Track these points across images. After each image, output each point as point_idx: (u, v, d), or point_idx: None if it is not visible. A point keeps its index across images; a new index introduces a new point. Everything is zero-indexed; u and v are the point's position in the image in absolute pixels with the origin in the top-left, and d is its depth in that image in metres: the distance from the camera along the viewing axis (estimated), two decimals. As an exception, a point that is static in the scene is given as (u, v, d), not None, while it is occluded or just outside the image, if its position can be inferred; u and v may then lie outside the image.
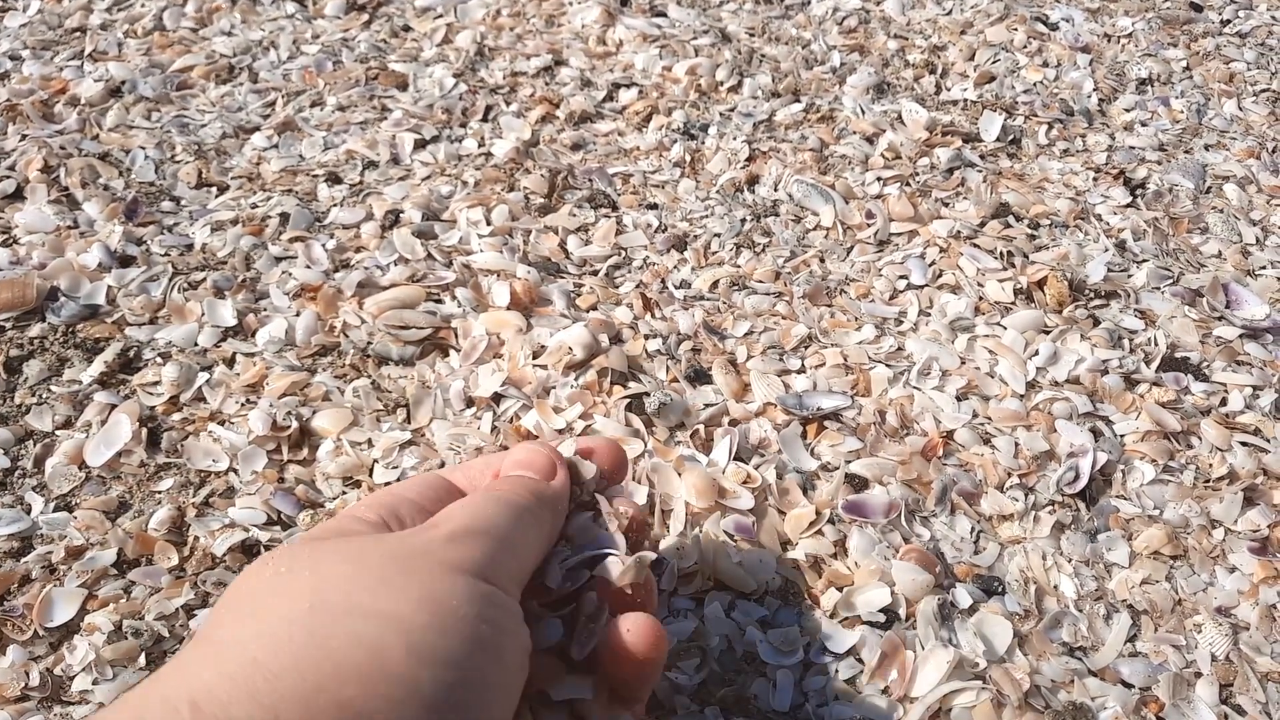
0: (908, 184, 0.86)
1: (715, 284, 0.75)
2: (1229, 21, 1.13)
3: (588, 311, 0.72)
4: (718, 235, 0.80)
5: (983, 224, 0.82)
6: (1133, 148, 0.93)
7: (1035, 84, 1.01)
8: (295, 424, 0.62)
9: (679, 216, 0.82)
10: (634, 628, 0.39)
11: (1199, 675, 0.54)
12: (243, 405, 0.64)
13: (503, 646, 0.34)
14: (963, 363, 0.70)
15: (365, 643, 0.30)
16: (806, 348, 0.71)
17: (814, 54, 1.03)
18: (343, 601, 0.32)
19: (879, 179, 0.86)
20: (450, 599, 0.33)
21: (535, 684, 0.39)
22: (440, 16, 1.04)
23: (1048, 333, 0.72)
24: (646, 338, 0.70)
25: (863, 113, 0.94)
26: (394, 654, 0.30)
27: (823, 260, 0.79)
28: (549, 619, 0.41)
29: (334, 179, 0.83)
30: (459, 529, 0.36)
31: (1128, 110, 0.99)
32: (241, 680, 0.28)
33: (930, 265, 0.78)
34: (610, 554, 0.42)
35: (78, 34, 0.97)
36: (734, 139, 0.90)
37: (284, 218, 0.78)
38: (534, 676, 0.37)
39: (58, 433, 0.62)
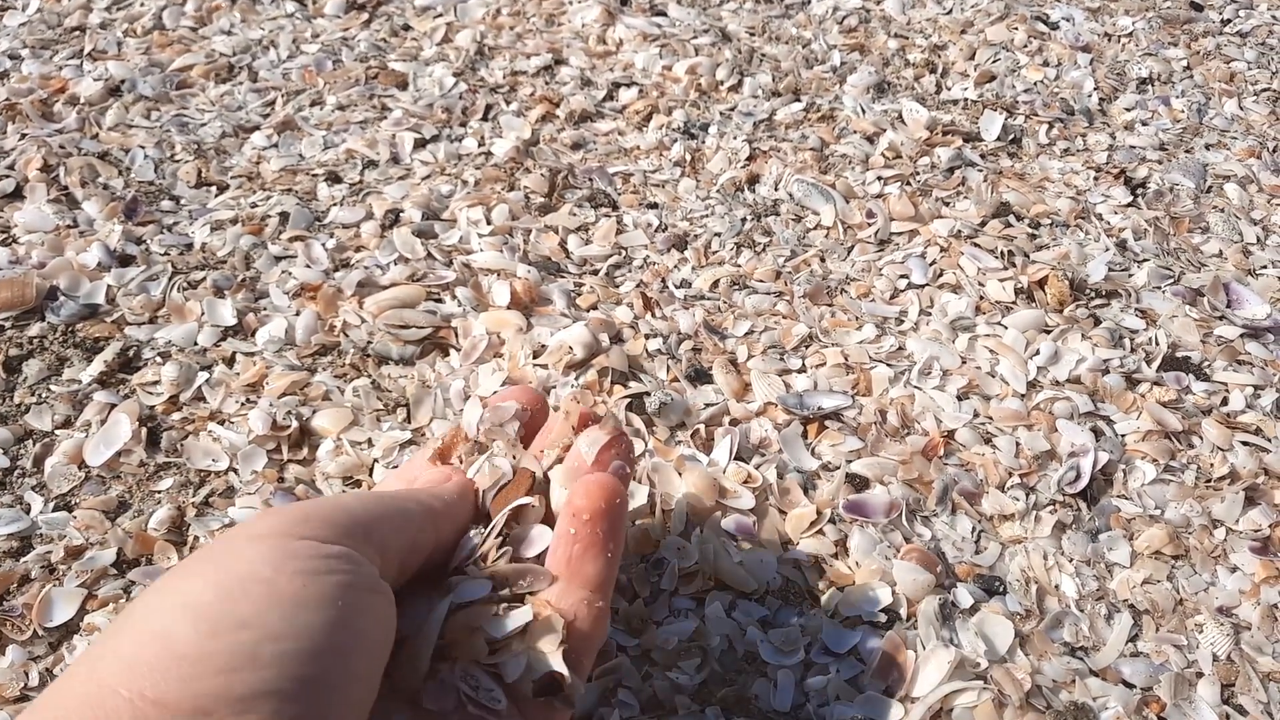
0: (908, 183, 0.86)
1: (716, 283, 0.75)
2: (1229, 21, 1.13)
3: (588, 311, 0.72)
4: (718, 234, 0.80)
5: (983, 223, 0.82)
6: (1133, 147, 0.93)
7: (1036, 83, 1.01)
8: (295, 423, 0.62)
9: (679, 216, 0.82)
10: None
11: (1200, 675, 0.54)
12: (242, 405, 0.64)
13: (329, 595, 0.34)
14: (963, 362, 0.70)
15: (152, 632, 0.31)
16: (807, 347, 0.71)
17: (814, 53, 1.03)
18: (141, 605, 0.33)
19: (879, 178, 0.86)
20: (242, 564, 0.33)
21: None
22: (440, 15, 1.04)
23: (1048, 332, 0.72)
24: (647, 337, 0.70)
25: (863, 112, 0.94)
26: (181, 634, 0.31)
27: (823, 260, 0.79)
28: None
29: (334, 178, 0.83)
30: (286, 507, 0.39)
31: (1128, 110, 0.98)
32: (44, 699, 0.31)
33: (931, 265, 0.78)
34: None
35: (77, 33, 0.97)
36: (734, 138, 0.90)
37: (284, 217, 0.78)
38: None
39: (57, 432, 0.62)
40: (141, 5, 1.01)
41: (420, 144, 0.87)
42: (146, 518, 0.57)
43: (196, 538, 0.57)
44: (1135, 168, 0.91)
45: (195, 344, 0.68)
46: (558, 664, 0.39)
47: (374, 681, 0.35)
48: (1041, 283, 0.75)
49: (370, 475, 0.61)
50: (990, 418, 0.66)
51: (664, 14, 1.06)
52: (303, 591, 0.33)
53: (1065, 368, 0.70)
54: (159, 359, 0.67)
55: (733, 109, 0.94)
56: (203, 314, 0.69)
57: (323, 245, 0.76)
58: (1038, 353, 0.70)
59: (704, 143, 0.90)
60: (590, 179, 0.85)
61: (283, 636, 0.32)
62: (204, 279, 0.72)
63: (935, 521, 0.60)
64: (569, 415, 0.48)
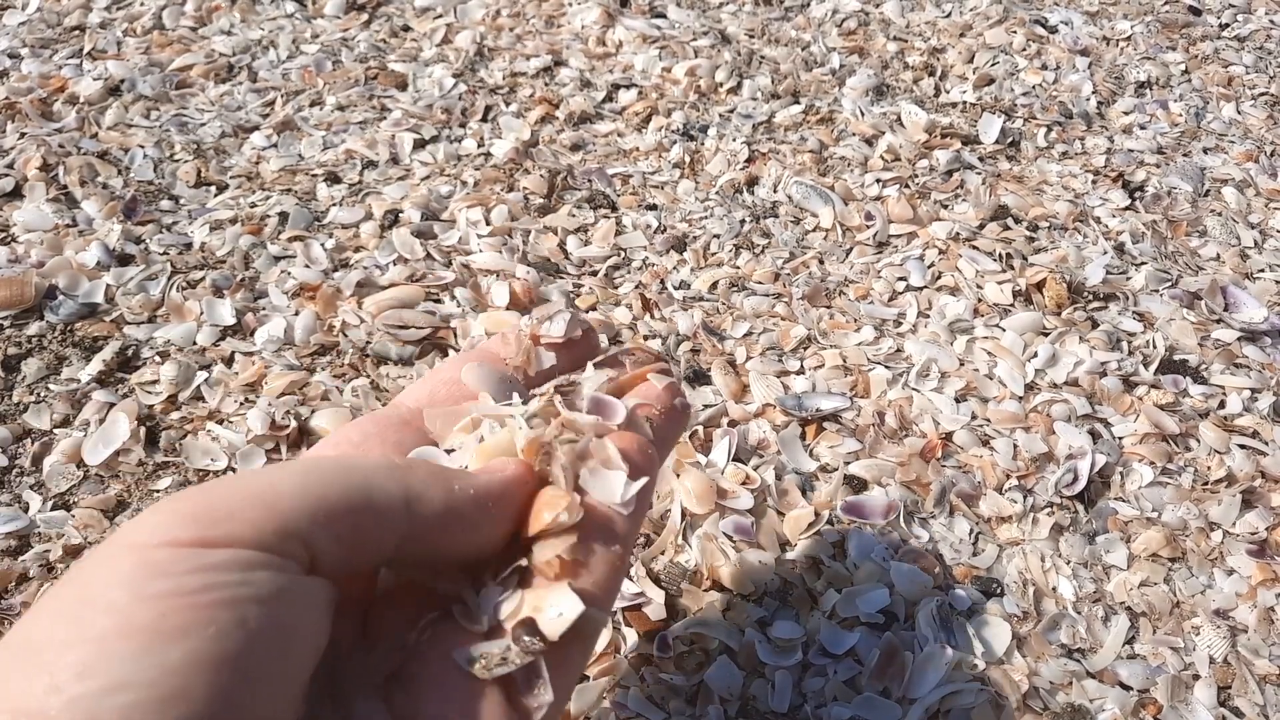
0: (907, 186, 0.86)
1: (714, 285, 0.75)
2: (1227, 25, 1.13)
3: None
4: (717, 236, 0.80)
5: (982, 226, 0.82)
6: (1131, 150, 0.94)
7: (1034, 86, 1.01)
8: (294, 423, 0.62)
9: (678, 217, 0.82)
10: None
11: (1197, 677, 0.54)
12: (241, 404, 0.64)
13: (200, 621, 0.27)
14: (961, 364, 0.70)
15: None
16: (805, 349, 0.71)
17: (813, 56, 1.03)
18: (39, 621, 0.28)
19: (878, 181, 0.86)
20: (94, 589, 0.27)
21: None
22: (440, 16, 1.04)
23: (1046, 335, 0.72)
24: (646, 338, 0.70)
25: (862, 114, 0.94)
26: (18, 689, 0.26)
27: (822, 262, 0.79)
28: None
29: (333, 178, 0.83)
30: (186, 495, 0.30)
31: (1126, 113, 0.99)
32: None
33: (929, 267, 0.78)
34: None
35: (77, 32, 0.97)
36: (733, 140, 0.90)
37: (283, 217, 0.78)
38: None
39: (56, 431, 0.62)
40: (141, 5, 1.01)
41: (420, 145, 0.87)
42: (145, 517, 0.57)
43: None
44: (1133, 171, 0.91)
45: (194, 343, 0.68)
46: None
47: (282, 705, 0.29)
48: (1040, 285, 0.76)
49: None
50: (988, 420, 0.67)
51: (663, 16, 1.07)
52: (160, 622, 0.27)
53: (1063, 370, 0.70)
54: (158, 358, 0.67)
55: (732, 111, 0.94)
56: (202, 313, 0.69)
57: (322, 245, 0.76)
58: (1035, 355, 0.71)
59: (703, 144, 0.90)
60: (589, 180, 0.85)
61: (129, 685, 0.26)
62: (203, 278, 0.72)
63: (933, 523, 0.60)
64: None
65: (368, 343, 0.68)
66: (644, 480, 0.35)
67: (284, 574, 0.29)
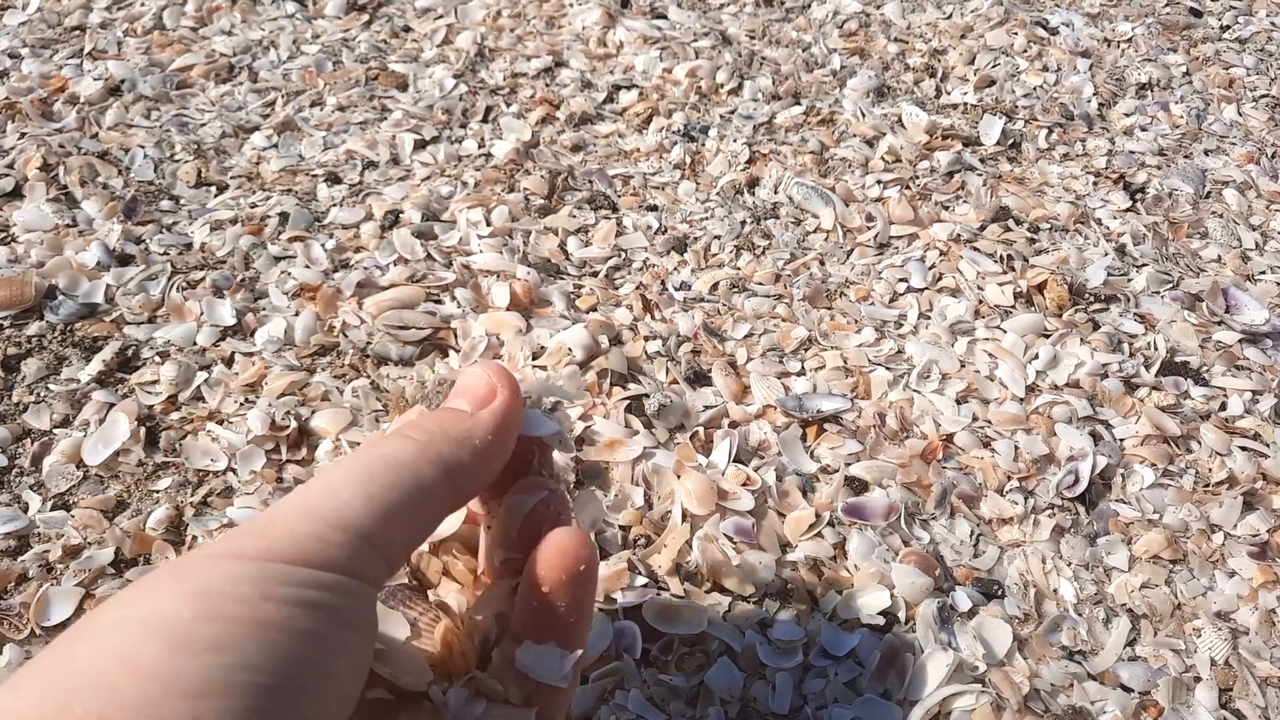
0: (908, 187, 0.86)
1: (715, 286, 0.75)
2: (1229, 27, 1.13)
3: (587, 313, 0.72)
4: (718, 237, 0.80)
5: (983, 227, 0.82)
6: (1132, 152, 0.94)
7: (1035, 88, 1.01)
8: (294, 424, 0.62)
9: (679, 218, 0.82)
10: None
11: (1198, 679, 0.54)
12: (241, 405, 0.64)
13: (309, 628, 0.30)
14: (962, 366, 0.70)
15: (113, 648, 0.28)
16: (806, 350, 0.71)
17: (814, 57, 1.03)
18: (101, 618, 0.30)
19: (879, 182, 0.86)
20: (220, 582, 0.30)
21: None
22: (441, 17, 1.04)
23: (1047, 336, 0.72)
24: (646, 339, 0.70)
25: (863, 116, 0.94)
26: (148, 652, 0.28)
27: (823, 263, 0.79)
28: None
29: (333, 179, 0.83)
30: (270, 518, 0.32)
31: (1127, 115, 0.99)
32: None
33: (930, 268, 0.78)
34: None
35: (77, 32, 0.97)
36: (734, 141, 0.90)
37: (283, 217, 0.78)
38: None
39: (55, 431, 0.62)
40: (142, 5, 1.01)
41: (420, 145, 0.87)
42: (145, 517, 0.57)
43: (195, 537, 0.57)
44: (1134, 173, 0.91)
45: (194, 344, 0.68)
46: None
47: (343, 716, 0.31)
48: (1040, 287, 0.75)
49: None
50: (989, 421, 0.67)
51: (664, 17, 1.07)
52: (286, 620, 0.29)
53: (1064, 372, 0.70)
54: (158, 358, 0.67)
55: (733, 112, 0.94)
56: (202, 314, 0.69)
57: (322, 246, 0.75)
58: (1036, 357, 0.71)
59: (704, 145, 0.90)
60: (590, 181, 0.85)
61: (259, 667, 0.28)
62: (203, 279, 0.72)
63: (934, 524, 0.60)
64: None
65: (368, 343, 0.68)
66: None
67: (370, 600, 0.32)
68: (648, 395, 0.64)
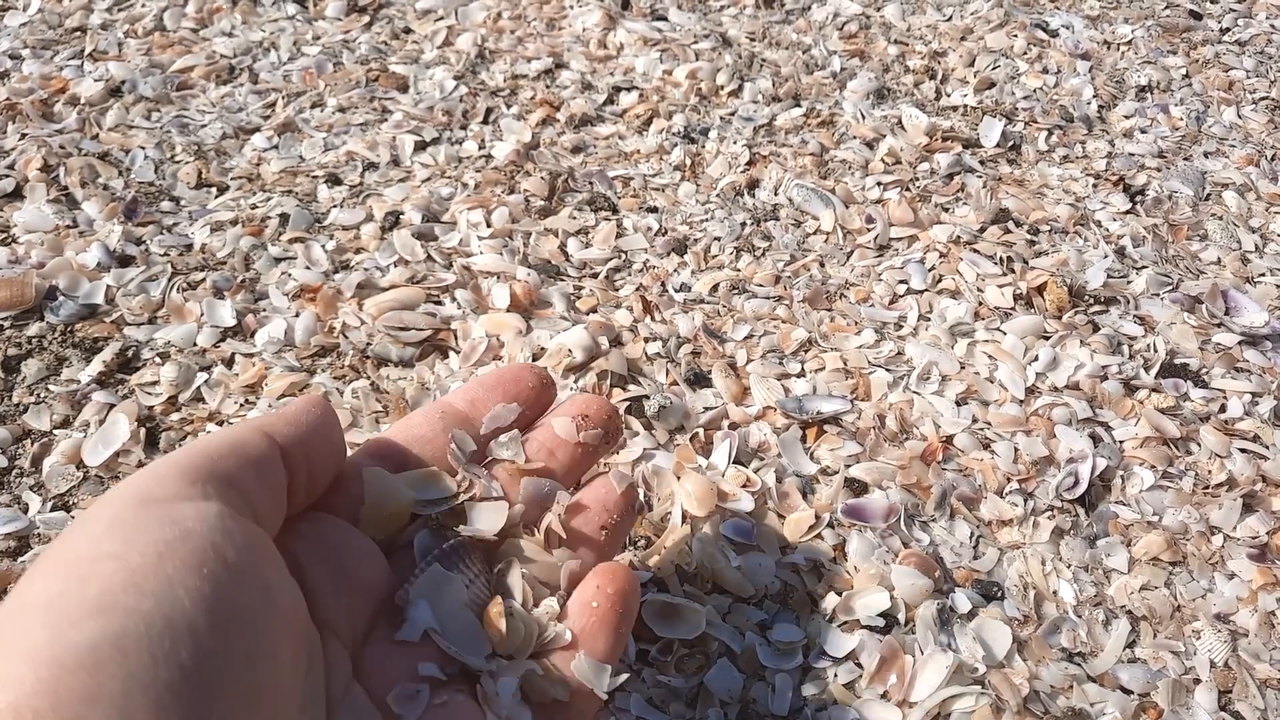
0: (908, 189, 0.86)
1: (715, 287, 0.75)
2: (1228, 29, 1.13)
3: (587, 314, 0.72)
4: (718, 239, 0.80)
5: (982, 229, 0.82)
6: (1132, 154, 0.94)
7: (1035, 90, 1.01)
8: (294, 425, 0.62)
9: (679, 220, 0.82)
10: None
11: (1198, 681, 0.54)
12: (241, 405, 0.64)
13: (191, 563, 0.30)
14: (962, 367, 0.70)
15: (6, 639, 0.28)
16: (806, 351, 0.71)
17: (814, 59, 1.03)
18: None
19: (879, 184, 0.86)
20: (84, 544, 0.30)
21: None
22: (441, 19, 1.04)
23: (1047, 338, 0.72)
24: (646, 340, 0.70)
25: (863, 117, 0.94)
26: (34, 635, 0.27)
27: (822, 264, 0.79)
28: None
29: (334, 180, 0.83)
30: (151, 466, 0.35)
31: (1127, 117, 0.99)
32: None
33: (930, 270, 0.78)
34: None
35: (78, 33, 0.97)
36: (734, 143, 0.90)
37: (284, 218, 0.78)
38: None
39: (55, 432, 0.62)
40: (143, 6, 1.01)
41: (420, 146, 0.87)
42: (144, 518, 0.57)
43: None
44: (1134, 175, 0.91)
45: (194, 345, 0.68)
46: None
47: (282, 649, 0.31)
48: (1040, 289, 0.76)
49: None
50: (989, 423, 0.67)
51: (664, 19, 1.07)
52: (157, 564, 0.29)
53: (1064, 373, 0.70)
54: (158, 359, 0.67)
55: (733, 114, 0.94)
56: (202, 315, 0.69)
57: (322, 247, 0.76)
58: (1036, 358, 0.71)
59: (704, 147, 0.90)
60: (590, 182, 0.85)
61: (149, 616, 0.28)
62: (203, 280, 0.72)
63: (934, 526, 0.60)
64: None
65: (368, 344, 0.68)
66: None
67: (246, 523, 0.33)
68: (648, 396, 0.64)
